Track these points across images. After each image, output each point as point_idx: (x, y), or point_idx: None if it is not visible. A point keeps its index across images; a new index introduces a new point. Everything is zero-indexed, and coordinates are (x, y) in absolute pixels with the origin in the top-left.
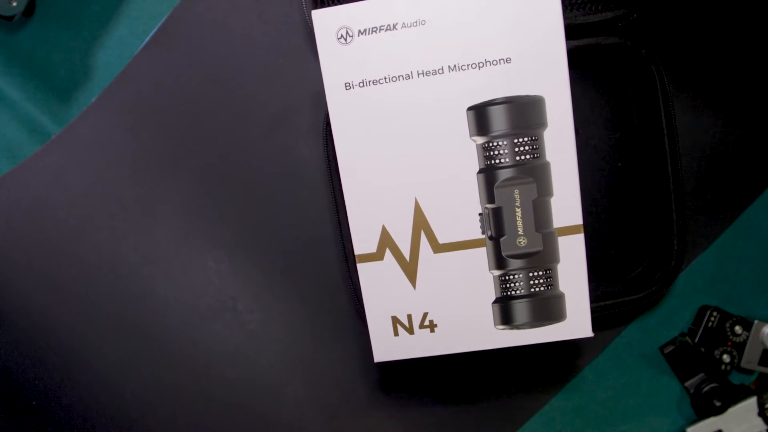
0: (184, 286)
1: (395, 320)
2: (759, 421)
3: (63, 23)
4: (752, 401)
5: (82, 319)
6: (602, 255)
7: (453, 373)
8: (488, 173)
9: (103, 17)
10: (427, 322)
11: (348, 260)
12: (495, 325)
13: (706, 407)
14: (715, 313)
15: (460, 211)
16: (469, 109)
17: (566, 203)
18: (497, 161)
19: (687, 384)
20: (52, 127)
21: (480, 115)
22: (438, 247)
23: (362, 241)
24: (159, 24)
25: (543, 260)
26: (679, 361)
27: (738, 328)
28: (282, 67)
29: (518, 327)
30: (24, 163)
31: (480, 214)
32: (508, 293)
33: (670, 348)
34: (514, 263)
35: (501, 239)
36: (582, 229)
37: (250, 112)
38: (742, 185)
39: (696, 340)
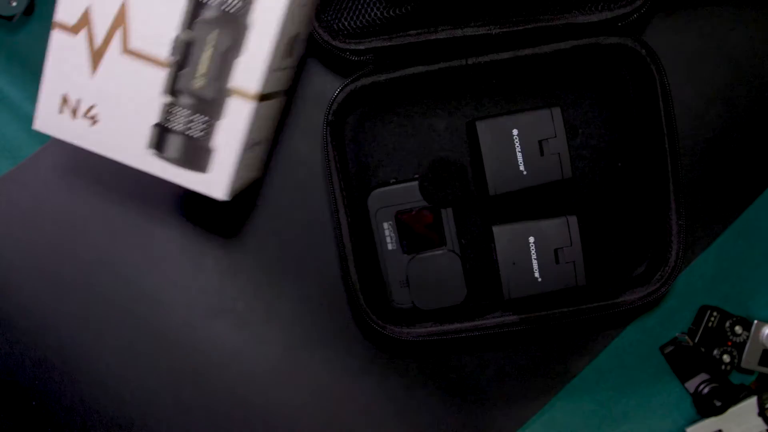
0: (184, 286)
1: (64, 98)
2: (759, 421)
3: None
4: (752, 401)
5: (81, 319)
6: (602, 255)
7: (453, 372)
8: (196, 5)
9: None
10: (91, 114)
11: (347, 259)
12: (147, 147)
13: (706, 407)
14: (715, 313)
15: (161, 27)
16: None
17: (251, 70)
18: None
19: (687, 384)
20: None
21: None
22: (127, 50)
23: (66, 10)
24: None
25: (209, 108)
26: (679, 361)
27: (738, 328)
28: None
29: (165, 158)
30: (24, 163)
31: (175, 38)
32: (168, 125)
33: (670, 348)
34: (184, 99)
35: (182, 70)
36: (257, 99)
37: None
38: (742, 185)
39: (696, 340)
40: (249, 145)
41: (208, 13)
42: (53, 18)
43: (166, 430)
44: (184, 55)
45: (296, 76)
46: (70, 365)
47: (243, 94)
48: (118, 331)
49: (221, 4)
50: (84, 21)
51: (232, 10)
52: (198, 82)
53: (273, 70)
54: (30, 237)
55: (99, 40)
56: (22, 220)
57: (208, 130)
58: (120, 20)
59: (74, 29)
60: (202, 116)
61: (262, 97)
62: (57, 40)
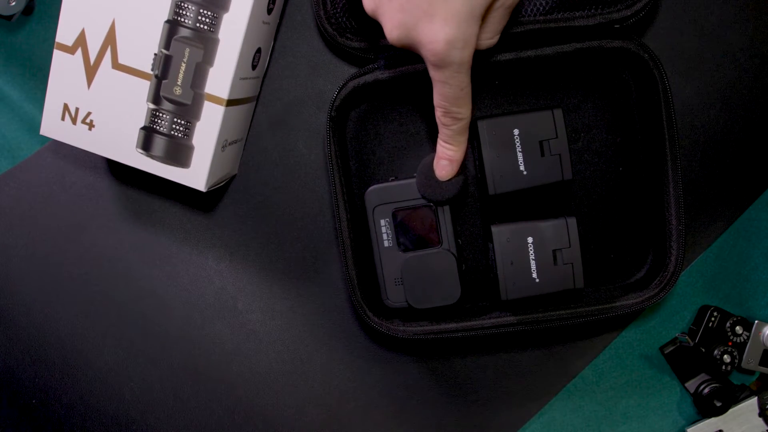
0: (184, 286)
1: (66, 107)
2: (760, 421)
3: None
4: (753, 401)
5: (82, 318)
6: (602, 259)
7: (453, 373)
8: (172, 26)
9: None
10: (88, 120)
11: (346, 256)
12: (136, 147)
13: (706, 407)
14: (715, 313)
15: (144, 45)
16: None
17: (221, 79)
18: (182, 19)
19: (687, 384)
20: None
21: None
22: (117, 65)
23: (65, 33)
24: None
25: (187, 113)
26: (679, 361)
27: (738, 328)
28: (282, 67)
29: (153, 157)
30: (24, 163)
31: (155, 54)
32: (154, 127)
33: (670, 348)
34: (166, 105)
35: (163, 81)
36: (224, 104)
37: None
38: (742, 185)
39: (696, 340)
40: (223, 144)
41: (183, 32)
42: (55, 39)
43: (165, 428)
44: (163, 69)
45: (297, 73)
46: (70, 363)
47: (215, 100)
48: (117, 330)
49: (195, 22)
50: (80, 41)
51: (204, 27)
52: (177, 90)
53: (240, 78)
54: (30, 236)
55: (93, 57)
56: (22, 219)
57: (189, 131)
58: (110, 40)
59: (72, 49)
60: (183, 119)
61: (232, 102)
62: (58, 57)
